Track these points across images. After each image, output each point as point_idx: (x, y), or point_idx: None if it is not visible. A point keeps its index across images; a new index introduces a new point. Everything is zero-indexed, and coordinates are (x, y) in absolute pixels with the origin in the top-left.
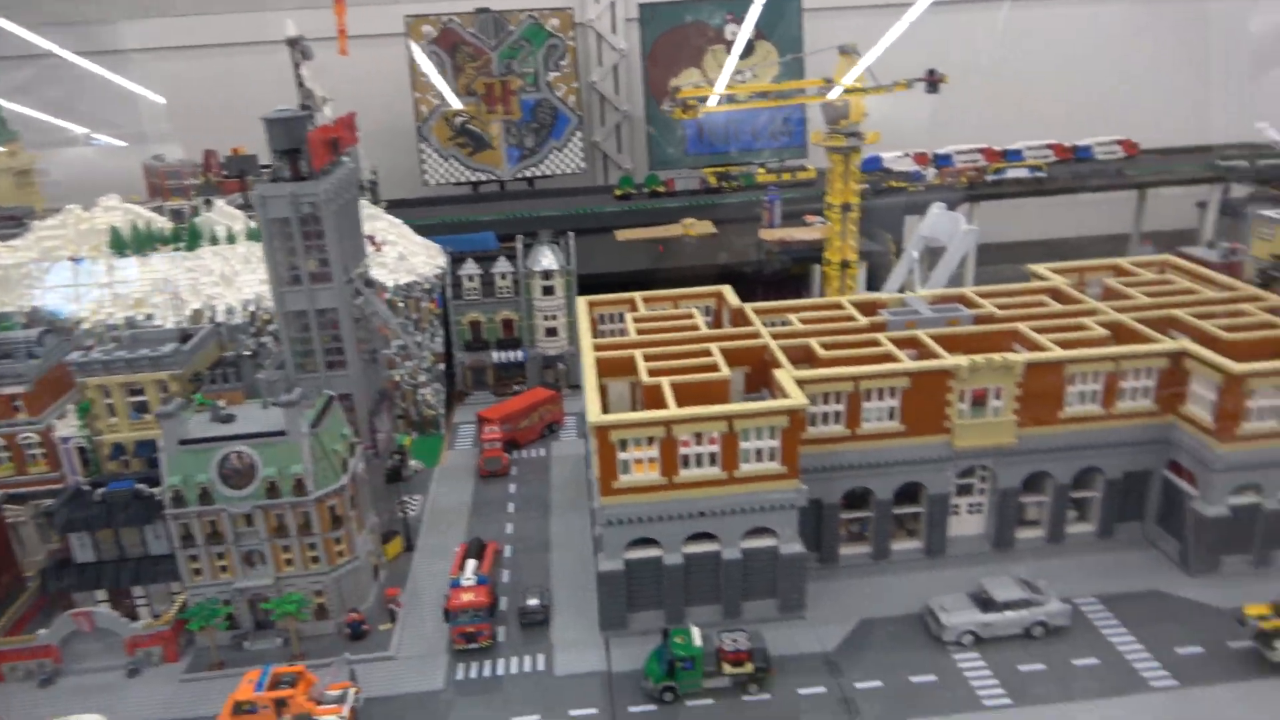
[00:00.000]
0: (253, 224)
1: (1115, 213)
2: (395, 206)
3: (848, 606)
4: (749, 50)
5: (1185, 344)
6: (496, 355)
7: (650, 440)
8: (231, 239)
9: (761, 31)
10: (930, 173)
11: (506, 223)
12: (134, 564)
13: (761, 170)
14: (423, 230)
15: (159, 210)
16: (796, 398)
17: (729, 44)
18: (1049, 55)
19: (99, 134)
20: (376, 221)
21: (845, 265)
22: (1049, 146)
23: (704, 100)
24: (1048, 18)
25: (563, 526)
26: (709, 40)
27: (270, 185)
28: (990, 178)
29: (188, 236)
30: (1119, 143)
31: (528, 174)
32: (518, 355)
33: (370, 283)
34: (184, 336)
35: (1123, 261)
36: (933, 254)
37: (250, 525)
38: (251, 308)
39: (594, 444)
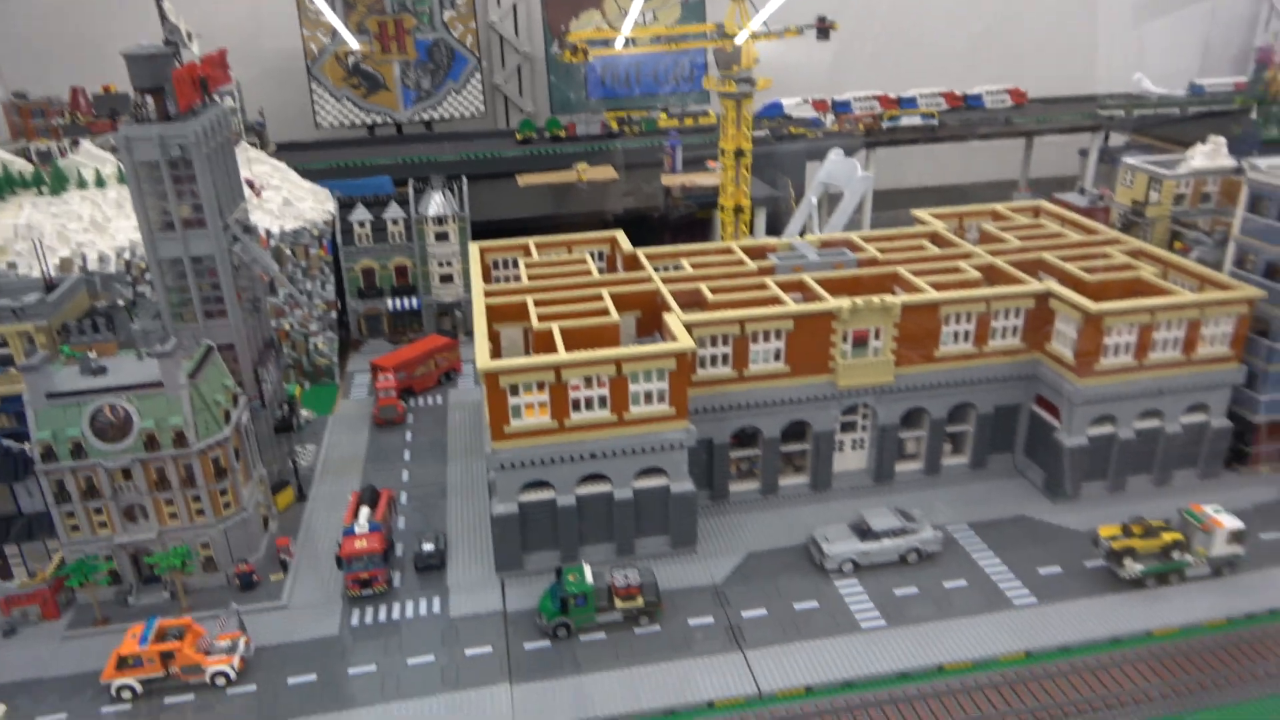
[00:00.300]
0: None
1: (1005, 159)
2: (285, 149)
3: (737, 540)
4: None
5: (1050, 285)
6: (391, 303)
7: (540, 385)
8: (101, 183)
9: None
10: (829, 119)
11: (403, 167)
12: (3, 522)
13: (664, 115)
14: (315, 175)
15: (23, 152)
16: (683, 341)
17: None
18: (945, 3)
19: None
20: (259, 165)
21: (739, 210)
22: (941, 95)
23: (607, 43)
24: None
25: (460, 473)
26: None
27: (135, 126)
28: (886, 124)
29: (51, 180)
30: (1008, 91)
31: (425, 116)
32: (413, 302)
33: (249, 228)
34: (49, 286)
35: (999, 207)
36: (832, 199)
37: (129, 479)
38: (126, 255)
39: (485, 390)
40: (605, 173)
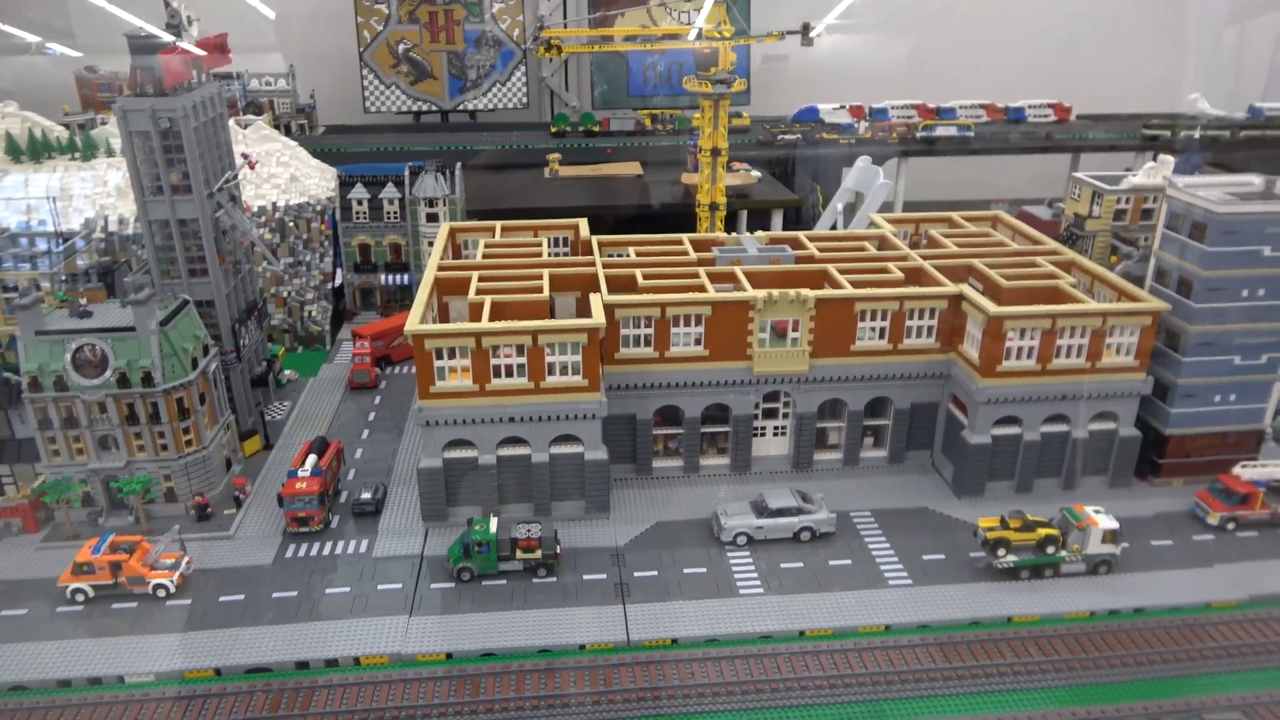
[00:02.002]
0: None
1: (1047, 174)
2: (334, 131)
3: (649, 511)
4: None
5: (962, 288)
6: (384, 277)
7: (464, 350)
8: None
9: None
10: (862, 126)
11: (442, 154)
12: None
13: (696, 116)
14: (360, 157)
15: (91, 123)
16: (596, 318)
17: None
18: (1003, 16)
19: (53, 43)
20: (270, 143)
21: (714, 208)
22: (982, 106)
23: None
24: None
25: (415, 436)
26: None
27: (131, 99)
28: (920, 134)
29: (83, 147)
30: (1051, 106)
31: (469, 106)
32: (404, 278)
33: (234, 197)
34: (62, 241)
35: (955, 215)
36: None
37: (104, 412)
38: None
39: (414, 352)
40: (631, 168)
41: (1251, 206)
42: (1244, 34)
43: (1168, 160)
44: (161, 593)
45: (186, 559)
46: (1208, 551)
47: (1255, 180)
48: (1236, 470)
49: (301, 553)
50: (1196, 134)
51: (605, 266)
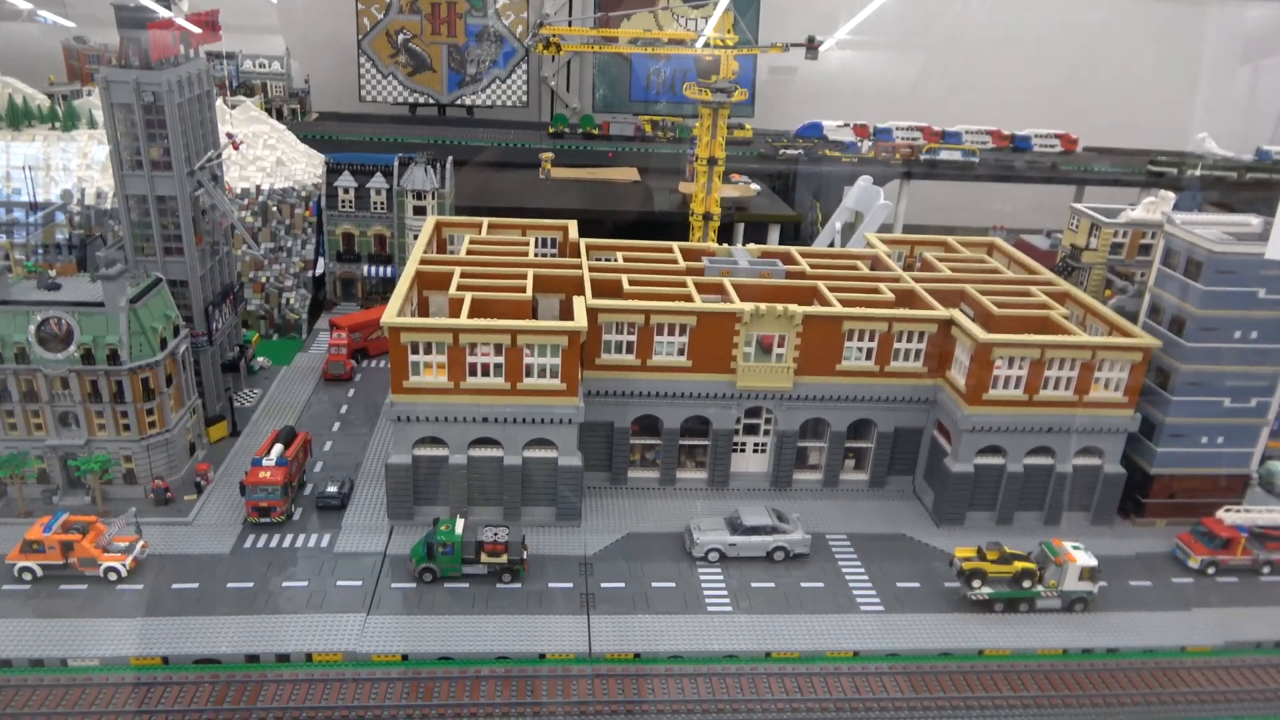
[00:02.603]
0: None
1: (1051, 205)
2: (327, 118)
3: (622, 521)
4: None
5: (953, 313)
6: (367, 269)
7: (440, 346)
8: None
9: None
10: (865, 145)
11: (436, 148)
12: None
13: (697, 124)
14: (352, 146)
15: (76, 93)
16: (578, 322)
17: None
18: (1018, 43)
19: (44, 11)
20: (258, 125)
21: (708, 218)
22: (988, 132)
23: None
24: (1021, 3)
25: (386, 432)
26: None
27: (115, 70)
28: (924, 157)
29: (64, 117)
30: (1058, 136)
31: (467, 101)
32: (388, 271)
33: (216, 177)
34: (35, 210)
35: (950, 239)
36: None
37: (65, 388)
38: None
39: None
40: (628, 174)
41: (1249, 247)
42: (1256, 75)
43: (1168, 196)
44: (113, 576)
45: (141, 543)
46: (1186, 595)
47: (1253, 221)
48: (1220, 514)
49: (261, 544)
50: (1200, 173)
51: (592, 270)
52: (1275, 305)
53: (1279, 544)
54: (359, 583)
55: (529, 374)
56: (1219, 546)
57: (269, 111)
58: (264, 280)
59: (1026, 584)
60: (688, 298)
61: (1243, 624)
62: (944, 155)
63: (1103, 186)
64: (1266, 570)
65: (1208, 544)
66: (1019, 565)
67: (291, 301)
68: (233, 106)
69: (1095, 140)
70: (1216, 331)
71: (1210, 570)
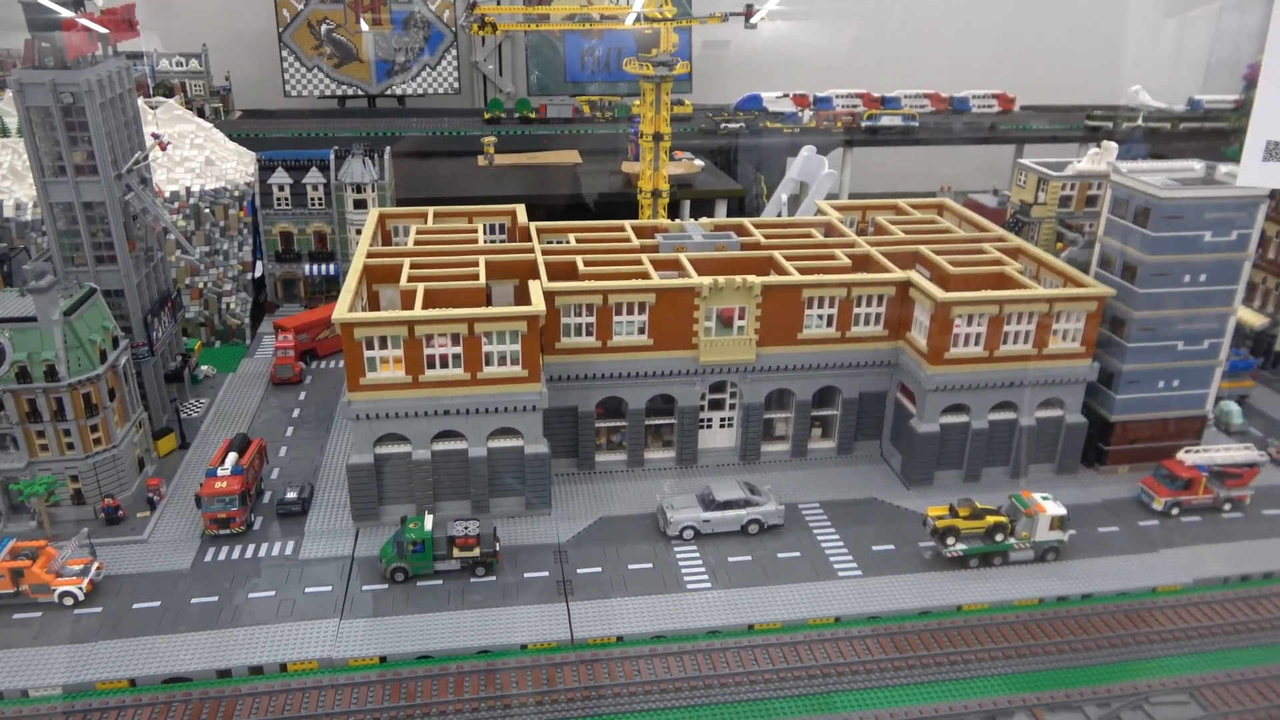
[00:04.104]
0: None
1: (993, 164)
2: (251, 116)
3: (592, 506)
4: None
5: (910, 274)
6: (308, 267)
7: (395, 340)
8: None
9: None
10: (806, 115)
11: (369, 140)
12: None
13: (636, 103)
14: (279, 143)
15: None
16: (536, 305)
17: None
18: (941, 2)
19: None
20: (183, 124)
21: (657, 195)
22: (926, 96)
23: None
24: None
25: (343, 432)
26: None
27: (29, 71)
28: (865, 124)
29: None
30: (995, 96)
31: (398, 90)
32: (330, 268)
33: (145, 180)
34: None
35: (901, 202)
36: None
37: (2, 409)
38: None
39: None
40: (569, 156)
41: (1194, 192)
42: (1182, 27)
43: (1111, 147)
44: (69, 601)
45: (96, 564)
46: (1153, 537)
47: (1196, 166)
48: (1180, 456)
49: (222, 556)
50: (1138, 124)
51: (545, 253)
52: (1221, 248)
53: (1238, 481)
54: (329, 588)
55: (489, 362)
56: (1181, 487)
57: (190, 111)
58: (202, 286)
59: (999, 537)
60: (645, 275)
61: (1209, 561)
62: (884, 121)
63: (1042, 144)
64: (1228, 507)
65: (1170, 486)
66: (991, 520)
67: (232, 306)
68: (155, 107)
69: (1032, 98)
70: (1166, 276)
71: (1174, 511)
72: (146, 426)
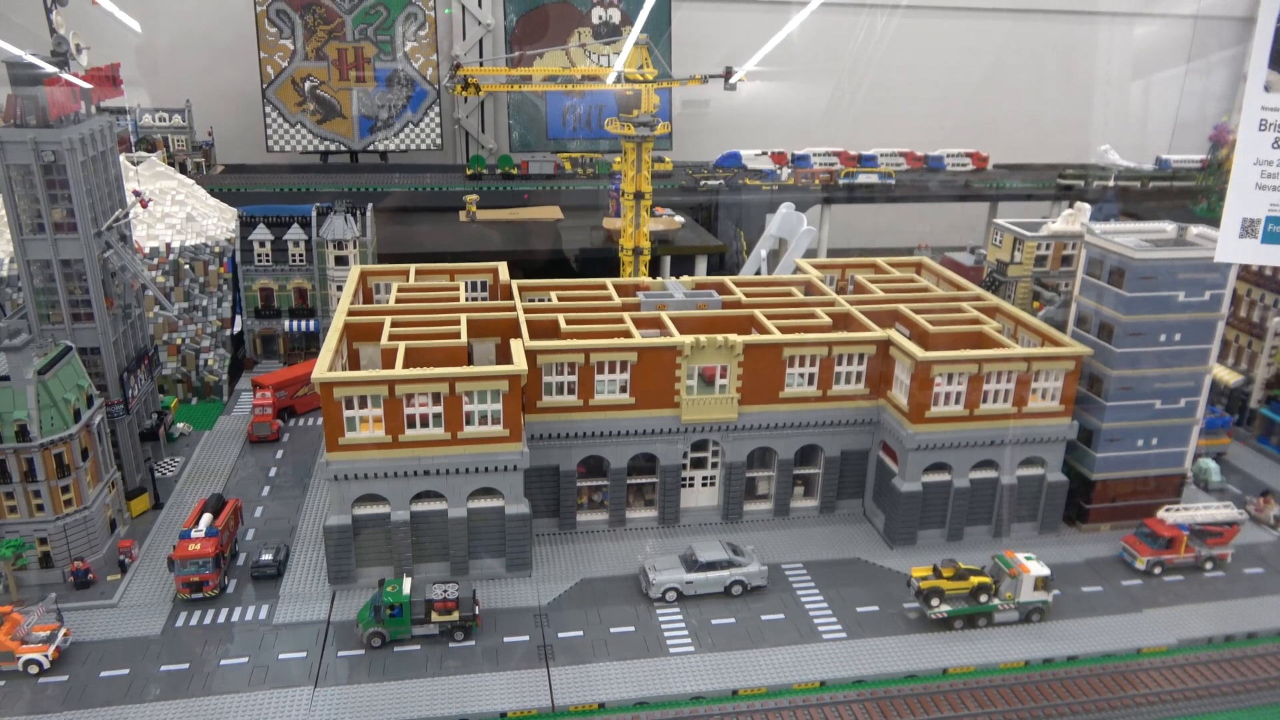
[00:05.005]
0: None
1: (966, 222)
2: (234, 171)
3: (574, 567)
4: (615, 33)
5: (890, 333)
6: (289, 324)
7: (375, 399)
8: None
9: (626, 16)
10: (784, 172)
11: (351, 195)
12: None
13: (618, 159)
14: (262, 198)
15: None
16: (518, 365)
17: (595, 27)
18: (926, 67)
19: None
20: (165, 180)
21: (638, 252)
22: (902, 155)
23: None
24: (925, 29)
25: (321, 492)
26: (576, 22)
27: (11, 130)
28: (842, 181)
29: None
30: (969, 155)
31: (381, 146)
32: (310, 325)
33: (124, 237)
34: None
35: (880, 261)
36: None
37: None
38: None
39: (322, 401)
40: (551, 213)
41: (1167, 253)
42: (1148, 88)
43: (1084, 208)
44: (34, 669)
45: (63, 631)
46: (1136, 596)
47: (1168, 228)
48: (1161, 514)
49: (194, 621)
50: (1110, 184)
51: (526, 311)
52: (1195, 307)
53: (1219, 540)
54: (303, 654)
55: (469, 422)
56: (1163, 546)
57: (172, 166)
58: (179, 342)
59: (983, 598)
60: (626, 334)
61: (1192, 621)
62: (861, 179)
63: (1016, 201)
64: (1209, 566)
65: (1152, 545)
66: (975, 580)
67: (210, 362)
68: (137, 163)
69: (1004, 157)
70: (1143, 336)
71: (1157, 570)
72: (119, 486)
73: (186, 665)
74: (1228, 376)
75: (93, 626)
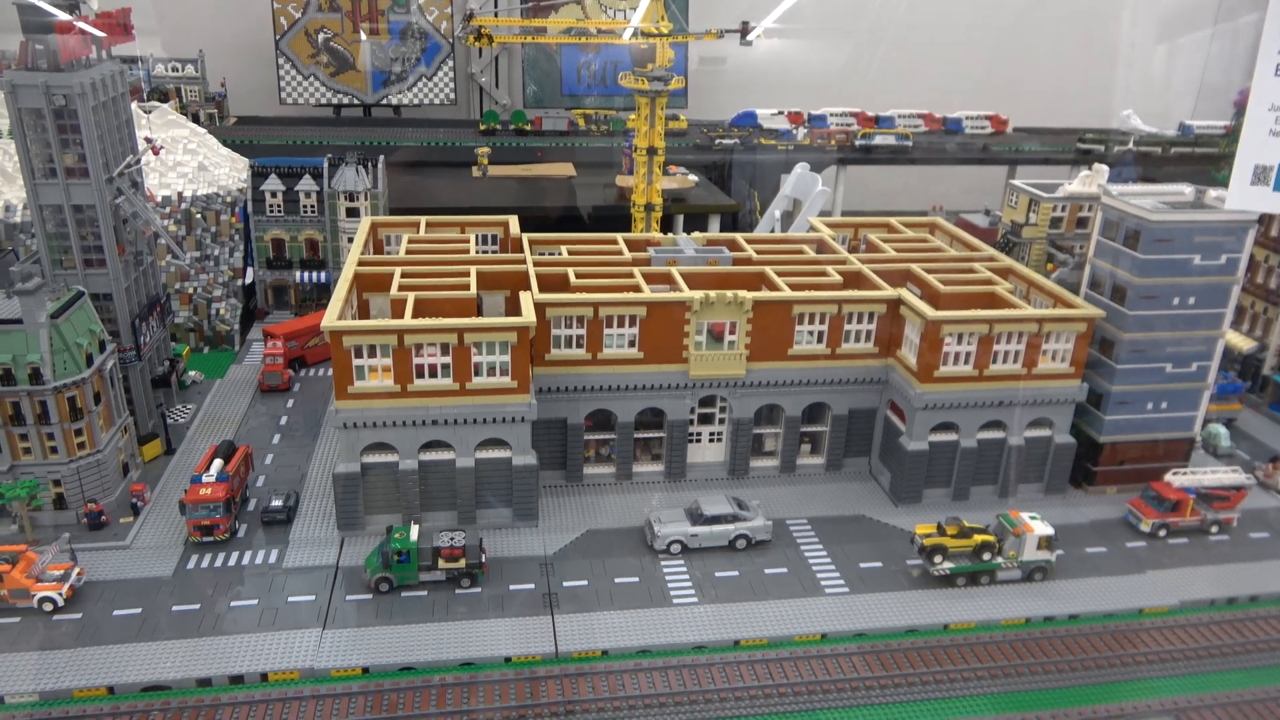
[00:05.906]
0: None
1: (985, 185)
2: (246, 123)
3: (580, 519)
4: None
5: (900, 292)
6: (299, 275)
7: (384, 349)
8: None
9: None
10: (800, 132)
11: (364, 149)
12: None
13: (632, 117)
14: (274, 150)
15: None
16: (526, 317)
17: None
18: (949, 27)
19: None
20: (177, 129)
21: (650, 209)
22: (920, 116)
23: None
24: None
25: (331, 441)
26: None
27: (22, 73)
28: (858, 142)
29: None
30: (988, 118)
31: (393, 100)
32: (321, 276)
33: (136, 184)
34: None
35: (893, 220)
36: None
37: None
38: None
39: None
40: (564, 169)
41: (1184, 215)
42: (1173, 52)
43: (1102, 169)
44: (48, 606)
45: (77, 570)
46: (1140, 558)
47: (1186, 190)
48: (1168, 478)
49: (205, 564)
50: (1130, 148)
51: (536, 265)
52: (1209, 271)
53: (1225, 504)
54: (312, 597)
55: (478, 373)
56: (1169, 509)
57: (185, 116)
58: (191, 291)
59: (986, 556)
60: (636, 288)
61: (1195, 583)
62: (878, 140)
63: (1034, 165)
64: (1214, 530)
65: (1158, 507)
66: (978, 538)
67: (221, 312)
68: (148, 111)
69: (1024, 121)
70: (1156, 299)
71: (1161, 533)
72: (132, 431)
73: (198, 606)
74: (1241, 342)
75: (106, 567)
